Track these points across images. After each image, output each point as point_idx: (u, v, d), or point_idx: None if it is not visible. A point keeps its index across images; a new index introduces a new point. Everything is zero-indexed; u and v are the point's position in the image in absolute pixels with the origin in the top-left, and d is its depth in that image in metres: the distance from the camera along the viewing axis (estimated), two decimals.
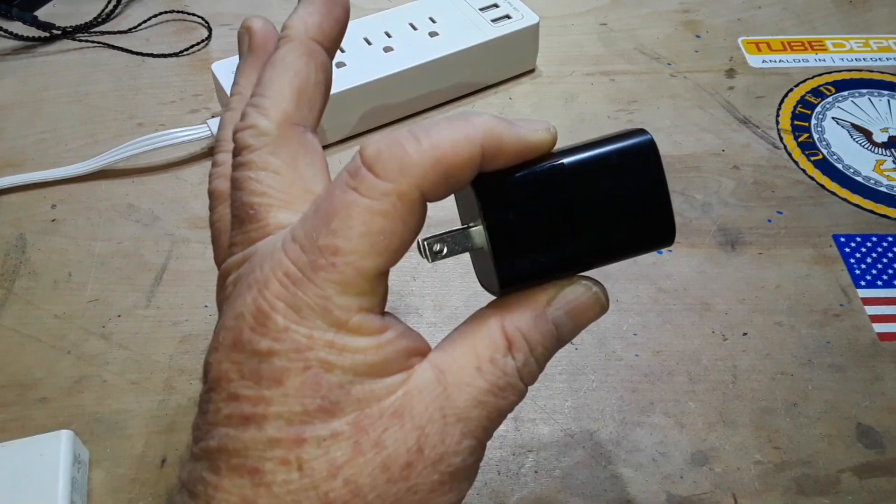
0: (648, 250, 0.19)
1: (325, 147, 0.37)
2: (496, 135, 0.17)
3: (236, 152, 0.19)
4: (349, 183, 0.17)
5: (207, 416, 0.17)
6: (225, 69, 0.36)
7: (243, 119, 0.19)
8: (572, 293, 0.18)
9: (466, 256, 0.20)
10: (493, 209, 0.17)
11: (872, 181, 0.36)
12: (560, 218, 0.18)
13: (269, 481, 0.16)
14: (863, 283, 0.32)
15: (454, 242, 0.18)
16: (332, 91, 0.35)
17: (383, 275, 0.17)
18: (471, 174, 0.17)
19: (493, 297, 0.19)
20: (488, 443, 0.18)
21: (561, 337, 0.19)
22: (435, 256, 0.18)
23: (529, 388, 0.18)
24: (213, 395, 0.17)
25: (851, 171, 0.37)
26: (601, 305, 0.19)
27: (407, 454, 0.16)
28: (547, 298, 0.18)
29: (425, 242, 0.18)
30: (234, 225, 0.19)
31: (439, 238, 0.18)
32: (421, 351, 0.18)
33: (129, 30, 0.43)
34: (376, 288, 0.17)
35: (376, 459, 0.16)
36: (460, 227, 0.18)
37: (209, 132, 0.36)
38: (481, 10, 0.39)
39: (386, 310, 0.18)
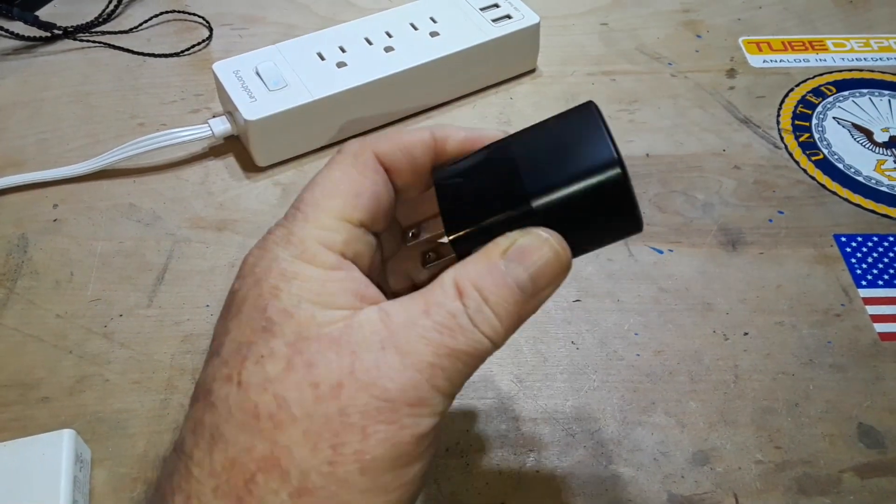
0: (600, 202, 0.18)
1: (327, 147, 0.37)
2: (444, 128, 0.21)
3: None
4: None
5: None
6: (226, 69, 0.36)
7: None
8: (524, 240, 0.18)
9: None
10: (440, 173, 0.20)
11: (873, 181, 0.36)
12: (504, 175, 0.19)
13: (214, 399, 0.17)
14: (864, 282, 0.32)
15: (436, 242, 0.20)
16: (334, 91, 0.36)
17: (347, 219, 0.19)
18: (423, 151, 0.20)
19: None
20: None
21: (520, 286, 0.18)
22: (426, 262, 0.21)
23: (501, 346, 0.18)
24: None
25: (852, 170, 0.37)
26: (554, 252, 0.18)
27: (338, 374, 0.17)
28: (500, 250, 0.18)
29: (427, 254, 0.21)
30: None
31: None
32: (373, 299, 0.19)
33: (131, 30, 0.43)
34: (338, 227, 0.19)
35: (306, 377, 0.17)
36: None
37: (210, 132, 0.36)
38: (482, 10, 0.39)
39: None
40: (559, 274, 0.19)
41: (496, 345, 0.18)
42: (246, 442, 0.17)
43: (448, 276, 0.18)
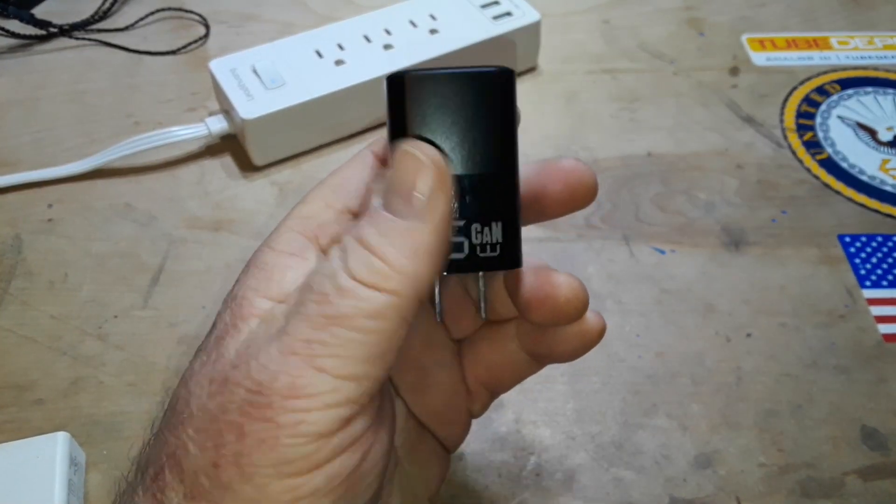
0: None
1: (325, 146, 0.37)
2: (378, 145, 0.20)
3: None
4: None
5: None
6: (223, 67, 0.36)
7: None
8: (387, 171, 0.16)
9: None
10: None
11: (878, 180, 0.36)
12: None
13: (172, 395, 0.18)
14: (868, 283, 0.32)
15: None
16: (332, 89, 0.35)
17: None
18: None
19: None
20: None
21: (394, 212, 0.16)
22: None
23: (422, 295, 0.15)
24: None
25: (856, 170, 0.36)
26: (412, 158, 0.16)
27: (228, 368, 0.16)
28: (373, 193, 0.17)
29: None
30: None
31: None
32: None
33: (126, 27, 0.43)
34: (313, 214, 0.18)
35: (210, 371, 0.16)
36: None
37: (207, 131, 0.36)
38: (482, 7, 0.39)
39: None
40: (432, 178, 0.16)
41: (400, 293, 0.15)
42: (163, 436, 0.16)
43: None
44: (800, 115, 0.39)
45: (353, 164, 0.19)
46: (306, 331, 0.15)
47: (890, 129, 0.38)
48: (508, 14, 0.39)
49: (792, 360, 0.29)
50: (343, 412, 0.15)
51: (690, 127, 0.38)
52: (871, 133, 0.38)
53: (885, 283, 0.32)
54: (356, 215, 0.18)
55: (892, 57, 0.42)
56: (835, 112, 0.39)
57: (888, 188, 0.35)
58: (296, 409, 0.14)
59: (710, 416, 0.28)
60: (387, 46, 0.37)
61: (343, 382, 0.15)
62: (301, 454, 0.14)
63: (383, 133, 0.19)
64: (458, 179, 0.17)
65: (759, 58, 0.42)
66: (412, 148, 0.16)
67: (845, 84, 0.40)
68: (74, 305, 0.31)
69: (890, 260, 0.33)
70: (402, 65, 0.36)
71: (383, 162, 0.19)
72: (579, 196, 0.19)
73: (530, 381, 0.29)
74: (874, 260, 0.33)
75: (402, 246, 0.15)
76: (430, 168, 0.16)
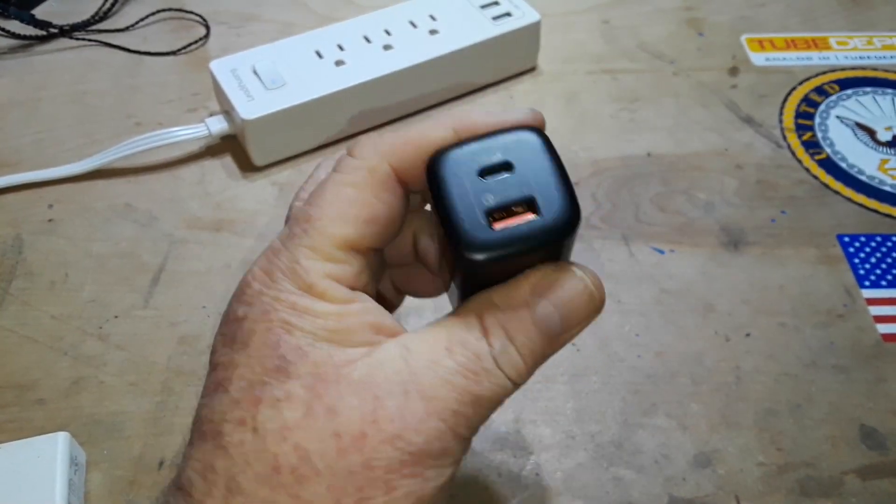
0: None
1: (323, 146, 0.37)
2: (468, 118, 0.18)
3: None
4: (333, 167, 0.18)
5: (201, 394, 0.18)
6: (223, 67, 0.36)
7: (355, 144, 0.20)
8: (556, 280, 0.17)
9: None
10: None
11: (877, 180, 0.36)
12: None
13: (227, 443, 0.16)
14: (867, 283, 0.32)
15: None
16: (332, 90, 0.35)
17: (357, 249, 0.18)
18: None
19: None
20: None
21: (548, 330, 0.17)
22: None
23: (523, 385, 0.17)
24: (208, 371, 0.18)
25: (855, 170, 0.36)
26: (590, 295, 0.18)
27: (361, 424, 0.16)
28: (528, 286, 0.17)
29: None
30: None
31: None
32: (391, 331, 0.17)
33: (127, 28, 0.43)
34: (349, 259, 0.17)
35: (328, 426, 0.16)
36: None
37: (207, 131, 0.36)
38: (482, 7, 0.39)
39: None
40: (591, 315, 0.18)
41: (517, 386, 0.17)
42: (267, 496, 0.16)
43: (472, 310, 0.17)
44: (799, 115, 0.39)
45: (371, 190, 0.18)
46: (454, 402, 0.16)
47: (889, 129, 0.38)
48: (508, 14, 0.39)
49: (791, 359, 0.29)
50: (458, 466, 0.17)
51: (690, 127, 0.38)
52: (870, 133, 0.38)
53: (883, 282, 0.32)
54: (378, 250, 0.18)
55: (891, 57, 0.42)
56: (834, 112, 0.39)
57: (887, 188, 0.35)
58: (440, 466, 0.16)
59: (709, 416, 0.28)
60: (387, 47, 0.37)
61: (466, 444, 0.17)
62: (433, 501, 0.17)
63: (398, 127, 0.19)
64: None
65: (758, 58, 0.42)
66: (595, 288, 0.18)
67: (844, 84, 0.40)
68: (75, 305, 0.31)
69: (889, 260, 0.33)
70: (402, 65, 0.36)
71: (401, 177, 0.18)
72: None
73: (530, 381, 0.29)
74: (873, 260, 0.33)
75: (538, 354, 0.18)
76: (596, 315, 0.18)
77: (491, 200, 0.17)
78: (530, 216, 0.17)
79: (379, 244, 0.18)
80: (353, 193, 0.17)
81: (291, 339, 0.16)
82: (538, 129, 0.18)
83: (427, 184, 0.17)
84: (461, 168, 0.17)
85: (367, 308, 0.17)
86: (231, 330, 0.17)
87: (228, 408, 0.16)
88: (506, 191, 0.17)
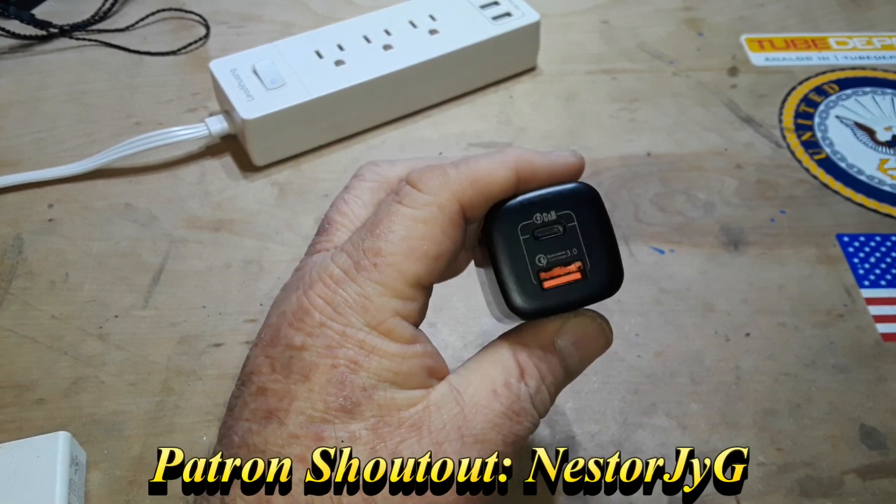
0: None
1: (325, 146, 0.37)
2: (527, 160, 0.19)
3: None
4: (394, 198, 0.18)
5: (234, 411, 0.18)
6: (223, 67, 0.36)
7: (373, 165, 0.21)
8: (578, 324, 0.19)
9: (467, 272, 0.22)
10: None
11: (876, 180, 0.36)
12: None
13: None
14: (866, 282, 0.32)
15: None
16: (332, 90, 0.35)
17: (423, 285, 0.18)
18: (508, 193, 0.19)
19: (504, 328, 0.20)
20: None
21: (568, 368, 0.19)
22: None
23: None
24: (243, 389, 0.18)
25: (855, 169, 0.36)
26: (605, 337, 0.20)
27: None
28: (555, 329, 0.19)
29: None
30: (315, 235, 0.20)
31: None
32: (441, 373, 0.18)
33: (127, 28, 0.43)
34: (415, 296, 0.18)
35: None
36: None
37: (207, 131, 0.36)
38: (482, 7, 0.39)
39: None
40: (603, 351, 0.20)
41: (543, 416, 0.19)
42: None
43: (507, 352, 0.18)
44: (798, 115, 0.39)
45: (439, 227, 0.18)
46: (500, 444, 0.18)
47: (888, 128, 0.38)
48: (508, 14, 0.39)
49: (791, 359, 0.29)
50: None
51: (690, 127, 0.38)
52: (870, 133, 0.38)
53: (883, 282, 0.32)
54: (424, 287, 0.18)
55: (891, 57, 0.42)
56: (833, 112, 0.39)
57: (886, 188, 0.36)
58: (486, 501, 0.17)
59: (709, 416, 0.28)
60: (386, 47, 0.37)
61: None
62: None
63: (462, 161, 0.19)
64: None
65: (757, 58, 0.42)
66: (610, 333, 0.20)
67: (844, 84, 0.40)
68: (75, 305, 0.31)
69: (888, 259, 0.33)
70: (402, 65, 0.36)
71: (465, 213, 0.19)
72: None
73: None
74: (873, 259, 0.33)
75: (560, 389, 0.19)
76: (607, 348, 0.20)
77: (543, 262, 0.18)
78: (577, 277, 0.18)
79: (442, 279, 0.19)
80: (423, 230, 0.18)
81: (357, 378, 0.17)
82: (592, 189, 0.19)
83: (484, 232, 0.19)
84: (518, 225, 0.18)
85: (426, 351, 0.18)
86: (284, 356, 0.17)
87: (286, 441, 0.16)
88: (557, 252, 0.18)
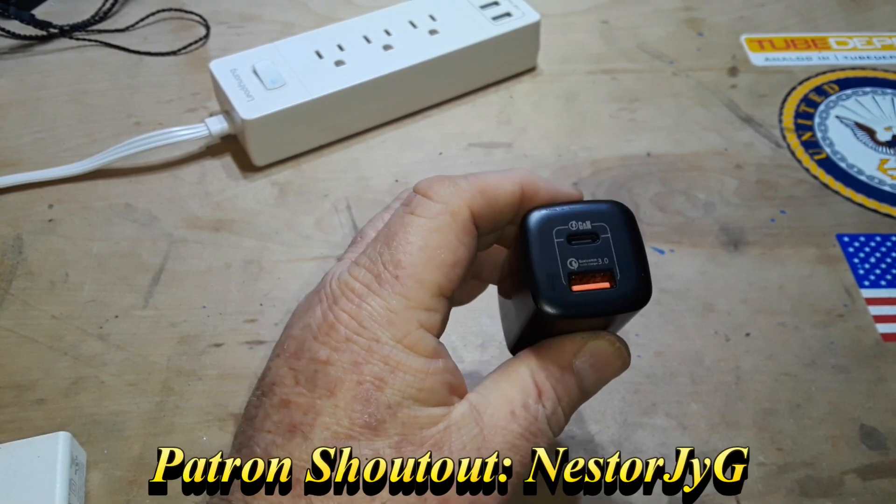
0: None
1: (325, 146, 0.37)
2: (532, 180, 0.19)
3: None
4: (406, 209, 0.18)
5: (254, 421, 0.17)
6: (223, 67, 0.36)
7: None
8: (596, 346, 0.19)
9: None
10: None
11: (876, 180, 0.36)
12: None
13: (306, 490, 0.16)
14: (866, 283, 0.32)
15: None
16: (332, 90, 0.35)
17: (444, 295, 0.18)
18: (512, 207, 0.19)
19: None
20: None
21: (584, 389, 0.19)
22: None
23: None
24: (264, 399, 0.18)
25: (855, 170, 0.36)
26: (623, 360, 0.20)
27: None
28: (573, 350, 0.19)
29: None
30: (348, 246, 0.21)
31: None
32: (461, 390, 0.18)
33: (127, 28, 0.43)
34: (437, 306, 0.18)
35: None
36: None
37: (207, 131, 0.36)
38: (482, 7, 0.39)
39: None
40: (619, 373, 0.20)
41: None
42: None
43: (525, 371, 0.19)
44: (798, 115, 0.39)
45: (454, 234, 0.18)
46: (518, 465, 0.18)
47: (888, 129, 0.38)
48: (508, 14, 0.39)
49: (791, 359, 0.29)
50: None
51: (689, 127, 0.38)
52: (870, 133, 0.38)
53: (883, 282, 0.32)
54: (445, 296, 0.19)
55: (891, 57, 0.42)
56: (833, 112, 0.39)
57: (887, 188, 0.36)
58: None
59: (709, 416, 0.28)
60: (386, 47, 0.37)
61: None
62: None
63: (471, 175, 0.20)
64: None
65: (757, 58, 0.42)
66: (628, 356, 0.20)
67: (844, 84, 0.40)
68: (75, 305, 0.31)
69: (888, 259, 0.33)
70: (402, 65, 0.36)
71: (475, 221, 0.19)
72: None
73: None
74: (873, 259, 0.33)
75: (575, 408, 0.19)
76: (624, 370, 0.20)
77: (574, 265, 0.18)
78: (606, 285, 0.18)
79: (459, 287, 0.19)
80: (439, 238, 0.18)
81: (382, 396, 0.17)
82: (627, 208, 0.19)
83: (519, 233, 0.19)
84: (554, 228, 0.19)
85: (447, 367, 0.18)
86: (309, 370, 0.17)
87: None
88: (589, 259, 0.19)
